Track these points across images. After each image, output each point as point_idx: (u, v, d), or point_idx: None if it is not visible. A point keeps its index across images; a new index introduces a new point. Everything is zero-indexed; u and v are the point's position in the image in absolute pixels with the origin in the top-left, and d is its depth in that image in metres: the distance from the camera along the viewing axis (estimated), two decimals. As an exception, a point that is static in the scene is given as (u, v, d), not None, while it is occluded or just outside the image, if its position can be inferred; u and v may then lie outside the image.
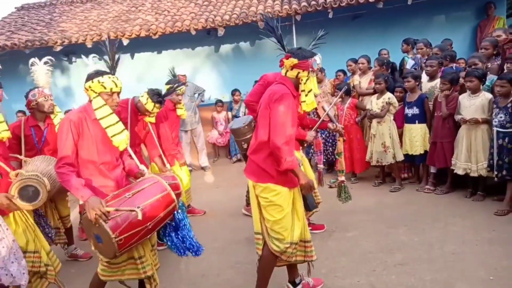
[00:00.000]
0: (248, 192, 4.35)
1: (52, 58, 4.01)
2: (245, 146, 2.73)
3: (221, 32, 7.29)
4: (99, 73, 2.40)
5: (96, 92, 2.38)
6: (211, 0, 8.73)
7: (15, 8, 10.72)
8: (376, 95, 4.88)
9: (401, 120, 4.81)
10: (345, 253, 3.36)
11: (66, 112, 4.51)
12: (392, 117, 4.75)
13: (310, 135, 3.26)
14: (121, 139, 2.43)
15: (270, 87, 2.53)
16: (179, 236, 2.54)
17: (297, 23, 7.33)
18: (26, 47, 7.50)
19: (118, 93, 2.46)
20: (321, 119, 3.23)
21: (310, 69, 2.42)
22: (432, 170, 4.61)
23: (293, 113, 2.38)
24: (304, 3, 7.18)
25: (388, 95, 4.72)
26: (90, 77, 2.39)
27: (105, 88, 2.36)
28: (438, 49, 5.24)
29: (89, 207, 2.12)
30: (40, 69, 3.84)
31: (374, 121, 4.85)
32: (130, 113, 3.62)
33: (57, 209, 3.71)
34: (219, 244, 3.84)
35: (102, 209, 2.12)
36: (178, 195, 2.92)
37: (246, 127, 2.74)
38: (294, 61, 2.38)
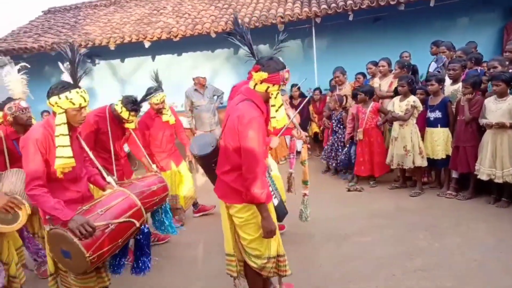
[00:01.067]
0: None
1: (27, 65, 3.71)
2: (215, 167, 2.49)
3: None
4: (65, 88, 2.22)
5: (63, 108, 2.21)
6: (231, 3, 8.82)
7: (42, 11, 11.10)
8: (399, 97, 4.80)
9: (423, 123, 4.72)
10: (362, 257, 3.30)
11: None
12: (414, 121, 4.66)
13: (274, 141, 3.00)
14: (61, 163, 2.23)
15: (236, 102, 2.31)
16: (141, 248, 2.56)
17: (317, 25, 7.32)
18: (52, 49, 7.75)
19: (85, 107, 2.30)
20: (285, 126, 2.90)
21: (281, 83, 2.22)
22: (454, 175, 4.50)
23: (263, 135, 2.21)
24: (324, 6, 7.16)
25: (412, 98, 4.64)
26: (55, 92, 2.21)
27: (73, 104, 2.20)
28: (462, 52, 5.13)
29: (76, 225, 2.07)
30: (14, 79, 3.44)
31: (396, 124, 4.76)
32: (109, 122, 3.52)
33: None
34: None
35: (89, 228, 2.07)
36: (165, 197, 2.96)
37: (215, 148, 2.45)
38: (263, 75, 2.18)
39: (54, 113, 2.26)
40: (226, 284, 3.14)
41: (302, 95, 7.11)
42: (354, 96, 5.34)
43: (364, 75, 6.15)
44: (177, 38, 7.55)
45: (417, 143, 4.63)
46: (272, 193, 2.59)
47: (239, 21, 2.50)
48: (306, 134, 3.12)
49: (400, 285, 2.83)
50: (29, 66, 3.70)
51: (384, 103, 5.31)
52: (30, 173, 2.16)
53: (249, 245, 2.38)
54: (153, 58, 8.56)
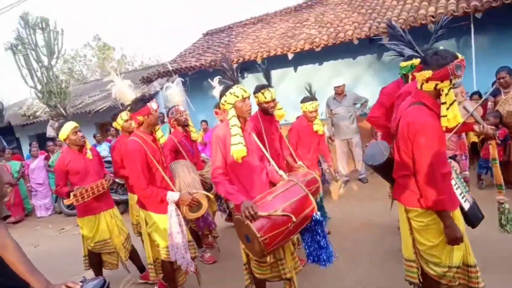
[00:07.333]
0: None
1: (182, 79, 4.55)
2: (391, 172, 2.43)
3: (385, 39, 7.01)
4: (227, 87, 2.69)
5: (231, 103, 2.63)
6: (375, 8, 8.51)
7: (202, 34, 12.78)
8: None
9: None
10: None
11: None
12: None
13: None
14: (236, 149, 2.58)
15: (406, 107, 2.22)
16: (315, 238, 2.59)
17: (476, 21, 6.44)
18: (210, 67, 8.85)
19: (248, 98, 2.69)
20: (461, 122, 2.47)
21: (452, 76, 2.00)
22: None
23: (438, 138, 2.08)
24: (486, -2, 6.26)
25: None
26: (222, 93, 2.69)
27: (237, 96, 2.62)
28: None
29: (243, 208, 2.36)
30: (173, 92, 4.39)
31: None
32: (262, 122, 3.69)
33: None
34: (378, 257, 3.69)
35: (251, 211, 2.33)
36: (316, 190, 2.97)
37: (389, 156, 2.40)
38: (427, 74, 2.04)
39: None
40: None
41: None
42: None
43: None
44: (319, 48, 7.68)
45: None
46: (462, 195, 2.40)
47: (394, 23, 2.46)
48: (493, 127, 2.66)
49: None
50: (182, 80, 4.50)
51: None
52: (213, 164, 2.66)
53: (427, 251, 2.26)
54: (295, 69, 8.89)
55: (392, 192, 3.75)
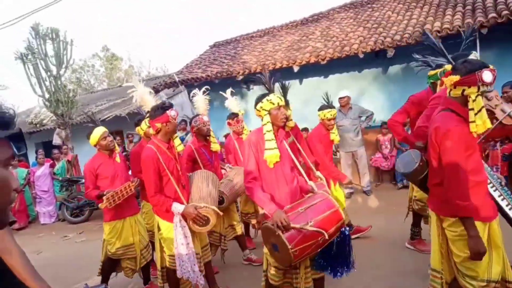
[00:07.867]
0: (413, 225, 3.99)
1: (209, 87, 4.51)
2: (426, 181, 2.44)
3: (390, 53, 7.06)
4: (264, 95, 2.73)
5: (266, 110, 2.66)
6: (381, 22, 8.59)
7: (209, 46, 12.92)
8: None
9: None
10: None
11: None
12: None
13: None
14: (270, 154, 2.59)
15: (434, 115, 2.26)
16: (340, 252, 2.58)
17: (481, 37, 6.48)
18: (216, 78, 8.93)
19: (284, 107, 2.72)
20: (497, 123, 2.52)
21: (480, 83, 2.04)
22: None
23: (467, 145, 2.09)
24: (492, 14, 6.31)
25: None
26: (259, 100, 2.71)
27: (273, 104, 2.64)
28: None
29: (275, 218, 2.35)
30: (200, 99, 4.35)
31: None
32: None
33: (228, 217, 4.12)
34: (383, 272, 3.64)
35: (284, 222, 2.32)
36: None
37: (421, 164, 2.41)
38: (455, 78, 2.08)
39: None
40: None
41: None
42: None
43: None
44: (325, 61, 7.73)
45: None
46: (509, 207, 2.36)
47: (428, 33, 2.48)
48: None
49: None
50: (209, 89, 4.48)
51: None
52: (246, 168, 2.65)
53: (463, 263, 2.19)
54: (301, 82, 8.94)
55: (409, 205, 3.72)
